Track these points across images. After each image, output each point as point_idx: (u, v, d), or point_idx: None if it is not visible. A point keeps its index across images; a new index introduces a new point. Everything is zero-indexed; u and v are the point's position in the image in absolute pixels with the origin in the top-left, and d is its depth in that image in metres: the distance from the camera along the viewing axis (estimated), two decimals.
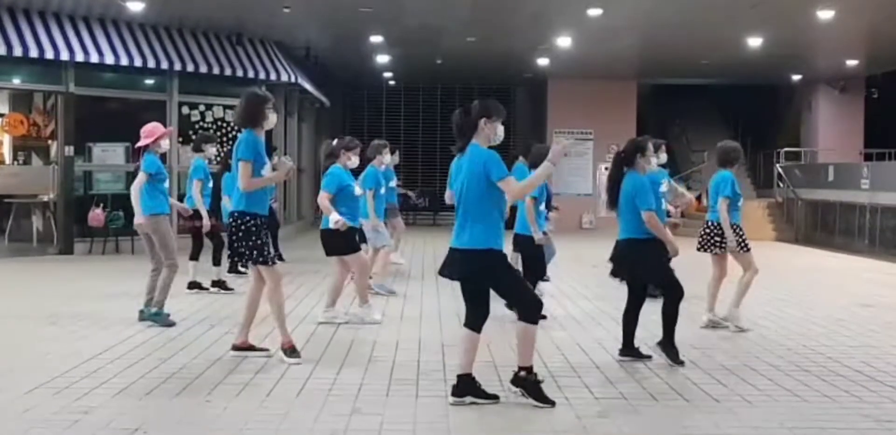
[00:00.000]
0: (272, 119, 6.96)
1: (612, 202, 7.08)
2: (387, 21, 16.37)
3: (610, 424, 5.30)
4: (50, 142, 16.03)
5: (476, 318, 5.70)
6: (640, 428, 5.24)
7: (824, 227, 21.03)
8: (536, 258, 8.94)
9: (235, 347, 7.04)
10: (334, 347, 7.41)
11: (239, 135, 6.94)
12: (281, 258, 14.14)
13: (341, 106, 26.82)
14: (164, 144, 8.73)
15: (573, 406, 5.65)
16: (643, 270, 7.02)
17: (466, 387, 5.68)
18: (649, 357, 7.01)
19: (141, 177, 8.44)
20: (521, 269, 9.37)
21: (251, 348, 7.02)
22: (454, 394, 5.68)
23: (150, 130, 8.63)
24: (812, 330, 8.53)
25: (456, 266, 5.65)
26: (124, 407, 5.50)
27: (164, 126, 15.29)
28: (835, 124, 24.58)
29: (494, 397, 5.70)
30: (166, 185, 8.69)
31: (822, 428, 5.24)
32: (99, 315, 8.77)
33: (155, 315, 8.35)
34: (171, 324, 8.27)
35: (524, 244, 8.90)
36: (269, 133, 17.78)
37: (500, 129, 5.75)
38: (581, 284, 11.56)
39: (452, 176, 6.28)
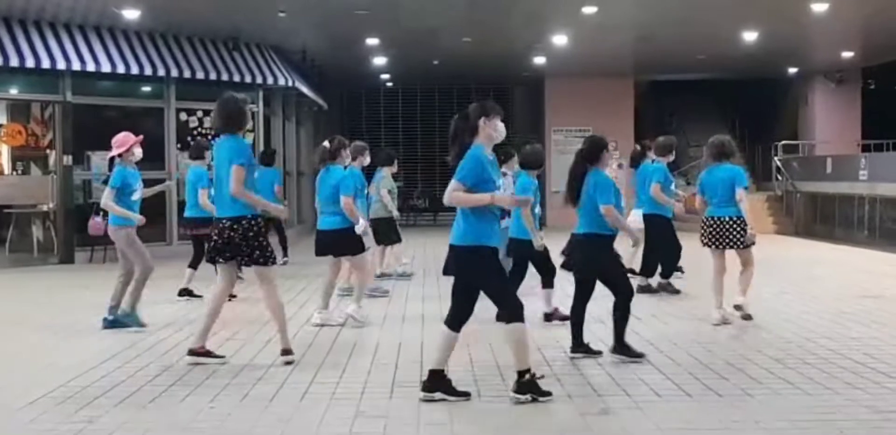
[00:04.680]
0: (250, 121, 7.01)
1: (573, 198, 7.11)
2: (382, 23, 16.38)
3: (613, 421, 5.31)
4: (48, 151, 16.04)
5: (454, 317, 5.76)
6: (643, 425, 5.24)
7: (824, 219, 21.04)
8: (534, 262, 8.88)
9: (192, 352, 6.90)
10: (336, 351, 7.42)
11: (218, 140, 6.90)
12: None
13: (339, 109, 26.81)
14: (138, 153, 8.66)
15: (576, 404, 5.67)
16: (597, 265, 7.12)
17: (437, 383, 5.73)
18: (600, 353, 7.02)
19: (107, 192, 8.45)
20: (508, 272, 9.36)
21: (208, 354, 6.92)
22: (424, 389, 5.75)
23: (122, 140, 8.57)
24: (813, 322, 8.53)
25: (449, 262, 5.76)
26: (128, 415, 5.51)
27: (163, 133, 15.52)
28: (832, 116, 24.58)
29: (465, 395, 5.74)
30: (135, 197, 8.57)
31: (824, 420, 5.26)
32: (100, 324, 8.75)
33: (126, 317, 8.41)
34: (144, 325, 8.37)
35: (517, 249, 8.87)
36: (267, 137, 18.03)
37: (501, 126, 5.86)
38: None
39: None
